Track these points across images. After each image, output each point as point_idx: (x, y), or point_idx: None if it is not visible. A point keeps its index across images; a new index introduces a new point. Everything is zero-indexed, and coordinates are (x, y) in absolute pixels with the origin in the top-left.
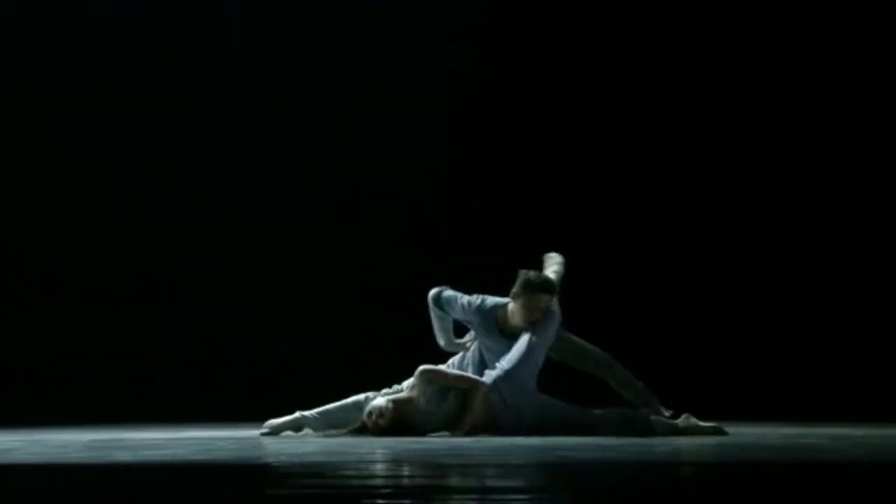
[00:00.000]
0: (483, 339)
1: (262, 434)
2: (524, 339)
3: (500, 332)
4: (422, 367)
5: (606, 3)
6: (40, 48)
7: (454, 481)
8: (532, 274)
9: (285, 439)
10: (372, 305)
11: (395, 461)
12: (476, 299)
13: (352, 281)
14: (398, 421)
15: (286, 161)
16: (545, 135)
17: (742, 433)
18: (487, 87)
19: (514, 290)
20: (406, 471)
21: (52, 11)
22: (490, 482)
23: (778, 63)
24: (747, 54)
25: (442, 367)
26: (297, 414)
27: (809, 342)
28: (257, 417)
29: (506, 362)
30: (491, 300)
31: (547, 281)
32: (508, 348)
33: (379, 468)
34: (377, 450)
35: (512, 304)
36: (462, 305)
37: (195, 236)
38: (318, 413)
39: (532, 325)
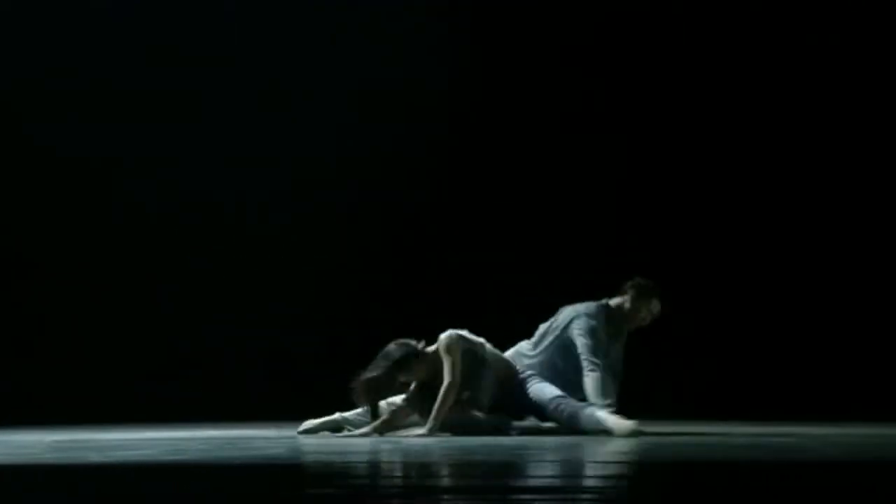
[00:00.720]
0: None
1: (300, 432)
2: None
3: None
4: (451, 332)
5: (606, 3)
6: (40, 48)
7: (440, 481)
8: (643, 280)
9: (259, 441)
10: (372, 305)
11: (382, 461)
12: (585, 315)
13: (351, 281)
14: (425, 375)
15: (285, 161)
16: (545, 134)
17: (702, 431)
18: (488, 86)
19: (629, 293)
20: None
21: (52, 11)
22: (480, 482)
23: (777, 63)
24: (746, 54)
25: (468, 337)
26: (337, 415)
27: (756, 341)
28: (256, 417)
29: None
30: (588, 307)
31: (657, 287)
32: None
33: (357, 469)
34: (357, 450)
35: (625, 303)
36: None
37: (196, 236)
38: (357, 414)
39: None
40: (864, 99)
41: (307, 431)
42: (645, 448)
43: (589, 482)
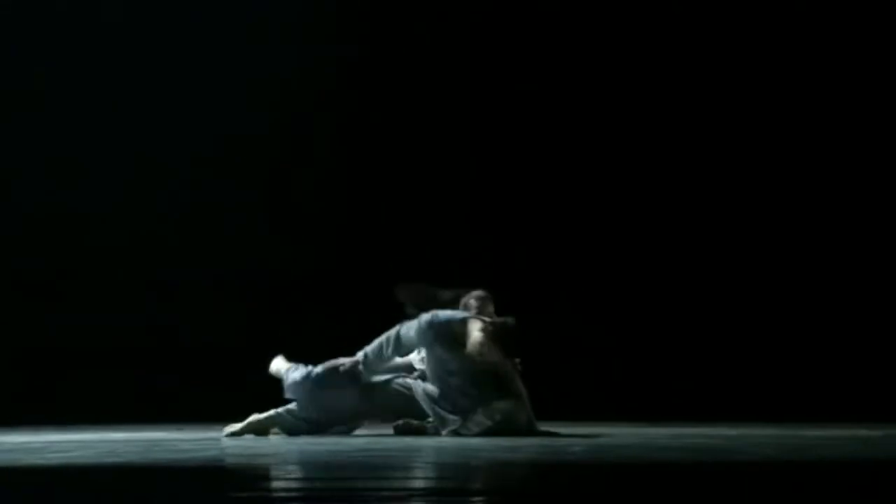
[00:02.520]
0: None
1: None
2: None
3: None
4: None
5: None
6: (39, 48)
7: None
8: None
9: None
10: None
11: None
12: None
13: (339, 283)
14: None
15: (279, 161)
16: (539, 134)
17: (614, 433)
18: (485, 90)
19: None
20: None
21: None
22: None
23: (763, 66)
24: (734, 55)
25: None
26: (272, 411)
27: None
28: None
29: None
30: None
31: None
32: None
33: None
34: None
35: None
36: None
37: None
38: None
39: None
40: (854, 102)
41: (233, 434)
42: (579, 450)
43: (511, 484)
